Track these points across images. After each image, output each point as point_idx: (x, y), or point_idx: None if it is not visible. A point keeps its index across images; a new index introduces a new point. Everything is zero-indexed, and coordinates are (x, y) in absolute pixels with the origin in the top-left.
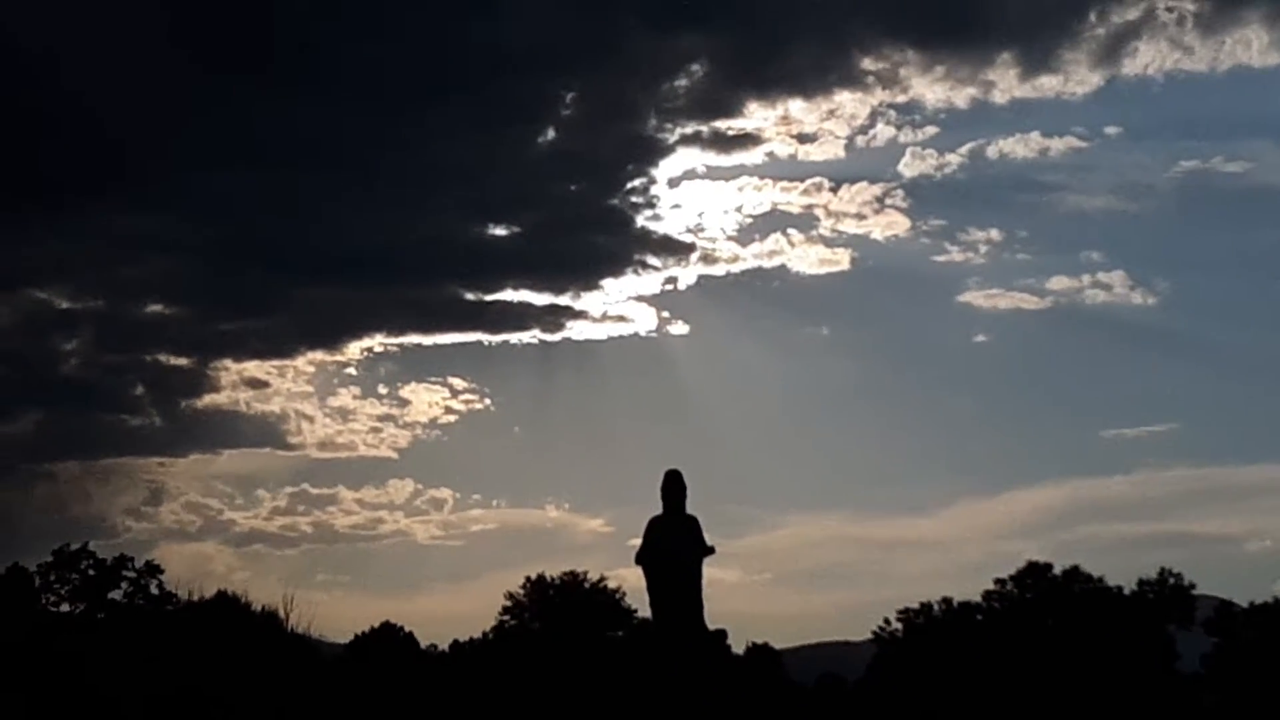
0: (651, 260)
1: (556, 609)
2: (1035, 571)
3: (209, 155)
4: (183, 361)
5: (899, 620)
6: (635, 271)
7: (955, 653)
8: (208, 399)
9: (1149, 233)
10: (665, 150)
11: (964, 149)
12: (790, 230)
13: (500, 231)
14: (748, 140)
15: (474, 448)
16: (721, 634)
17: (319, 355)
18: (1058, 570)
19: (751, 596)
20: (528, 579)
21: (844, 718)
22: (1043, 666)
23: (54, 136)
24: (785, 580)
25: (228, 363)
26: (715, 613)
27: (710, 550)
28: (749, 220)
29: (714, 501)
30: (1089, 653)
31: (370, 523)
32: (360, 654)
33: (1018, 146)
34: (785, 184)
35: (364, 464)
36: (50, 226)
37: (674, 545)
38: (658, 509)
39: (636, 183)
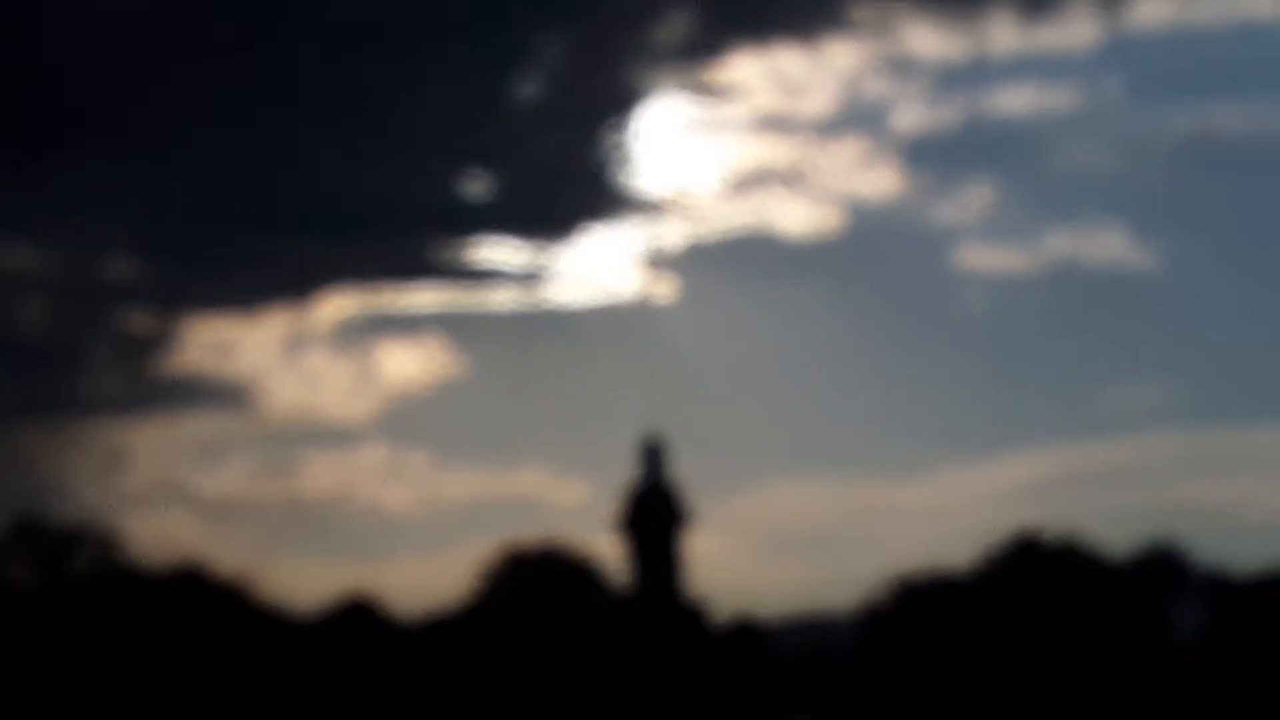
0: (633, 218)
1: (532, 579)
2: (1025, 539)
3: (173, 107)
4: (146, 320)
5: (886, 589)
6: (615, 230)
7: (943, 623)
8: (172, 358)
9: (1149, 189)
10: (645, 101)
11: (957, 101)
12: (777, 187)
13: (476, 187)
14: (732, 92)
15: (448, 411)
16: (701, 605)
17: (286, 314)
18: (1049, 538)
19: (735, 564)
20: (502, 548)
21: (830, 694)
22: (1032, 637)
23: (11, 88)
24: (768, 547)
25: (193, 321)
26: (698, 581)
27: (691, 517)
28: (734, 177)
29: (697, 466)
30: (1080, 623)
31: (340, 489)
32: (330, 626)
33: (1015, 100)
34: (772, 138)
35: (334, 428)
36: (4, 178)
37: (653, 512)
38: (638, 475)
39: (618, 136)
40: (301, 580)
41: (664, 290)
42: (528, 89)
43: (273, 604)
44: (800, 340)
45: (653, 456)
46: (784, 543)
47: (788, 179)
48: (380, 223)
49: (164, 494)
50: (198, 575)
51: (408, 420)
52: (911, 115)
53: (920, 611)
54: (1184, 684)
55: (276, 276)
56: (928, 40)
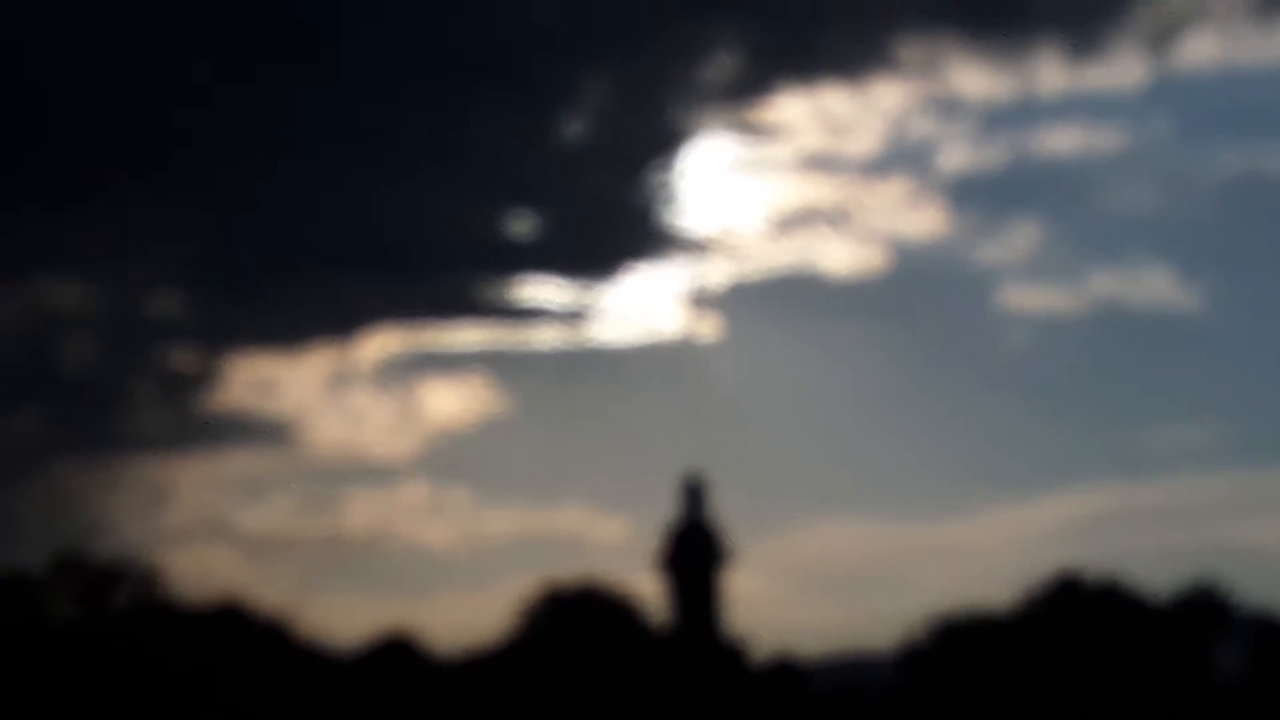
0: (676, 257)
1: (571, 617)
2: (1066, 579)
3: (219, 143)
4: (190, 356)
5: (927, 629)
6: (658, 269)
7: (983, 663)
8: (216, 396)
9: (1196, 229)
10: (691, 141)
11: (1003, 142)
12: (822, 226)
13: (521, 226)
14: (778, 131)
15: (491, 450)
16: (741, 644)
17: (331, 351)
18: (1090, 577)
19: (776, 603)
20: (541, 586)
21: None
22: (1073, 677)
23: (55, 122)
24: (811, 586)
25: (237, 359)
26: (738, 621)
27: (732, 556)
28: (779, 216)
29: (738, 504)
30: (1121, 663)
31: (383, 527)
32: (370, 663)
33: (1061, 139)
34: (817, 178)
35: (377, 465)
36: (53, 215)
37: (694, 551)
38: (680, 514)
39: (664, 174)
40: (341, 617)
41: (707, 329)
42: (574, 128)
43: (312, 641)
44: (843, 379)
45: (694, 495)
46: (824, 582)
47: (833, 218)
48: (424, 261)
49: (206, 530)
50: (238, 611)
51: (449, 458)
52: (957, 155)
53: (960, 651)
54: None
55: (321, 314)
56: (974, 80)
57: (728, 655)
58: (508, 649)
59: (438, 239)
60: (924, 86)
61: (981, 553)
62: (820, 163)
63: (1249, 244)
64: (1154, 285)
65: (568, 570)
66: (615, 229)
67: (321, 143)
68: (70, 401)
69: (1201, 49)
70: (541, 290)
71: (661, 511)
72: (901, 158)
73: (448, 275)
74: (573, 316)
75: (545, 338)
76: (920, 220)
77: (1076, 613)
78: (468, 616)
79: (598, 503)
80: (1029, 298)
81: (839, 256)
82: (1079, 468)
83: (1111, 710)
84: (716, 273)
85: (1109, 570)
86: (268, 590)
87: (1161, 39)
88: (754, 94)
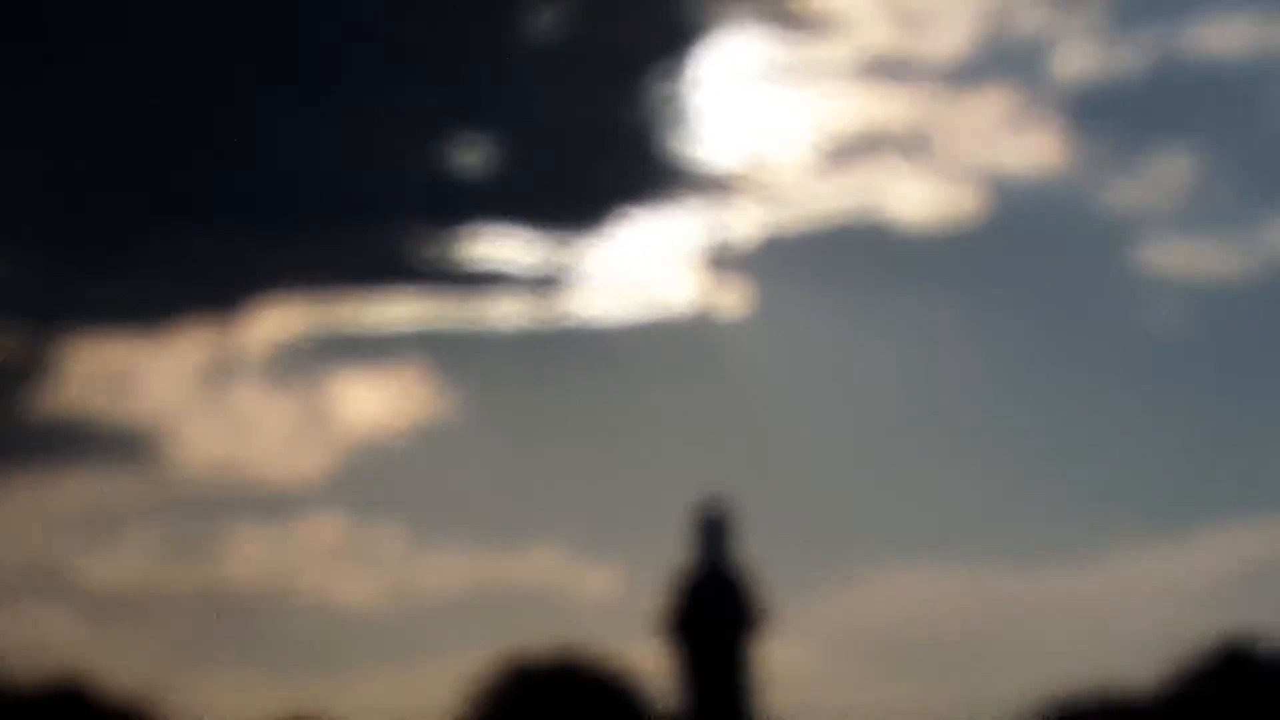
0: (688, 201)
1: (544, 701)
2: (1233, 652)
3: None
4: (12, 341)
5: (1036, 718)
6: (664, 217)
7: None
8: (47, 394)
9: None
10: (709, 38)
11: (1143, 39)
12: (891, 157)
13: (471, 157)
14: (831, 25)
15: (431, 466)
16: None
17: (207, 330)
18: (1265, 647)
19: (825, 681)
20: (502, 657)
21: None
22: None
23: None
24: (872, 658)
25: (78, 343)
26: (773, 705)
27: (765, 616)
28: (831, 144)
29: (773, 545)
30: None
31: (279, 575)
32: None
33: (1223, 36)
34: (884, 89)
35: (271, 491)
36: None
37: (711, 611)
38: (688, 557)
39: (666, 86)
40: (223, 701)
41: (731, 300)
42: (544, 21)
43: None
44: (920, 370)
45: (713, 533)
46: (892, 652)
47: (906, 147)
48: (336, 209)
49: (35, 582)
50: (79, 694)
51: (374, 481)
52: (1079, 58)
53: None
54: None
55: (193, 282)
56: None
57: None
58: None
59: (355, 178)
60: None
61: (1112, 613)
62: (890, 69)
63: None
64: None
65: (538, 637)
66: (602, 162)
67: (192, 49)
68: None
69: None
70: (500, 247)
71: (667, 555)
72: (1002, 62)
73: (369, 228)
74: (543, 283)
75: (505, 313)
76: (1028, 149)
77: (1245, 694)
78: (399, 700)
79: (579, 543)
80: (1178, 256)
81: (914, 199)
82: (1250, 495)
83: None
84: (744, 223)
85: None
86: (121, 665)
87: None
88: None
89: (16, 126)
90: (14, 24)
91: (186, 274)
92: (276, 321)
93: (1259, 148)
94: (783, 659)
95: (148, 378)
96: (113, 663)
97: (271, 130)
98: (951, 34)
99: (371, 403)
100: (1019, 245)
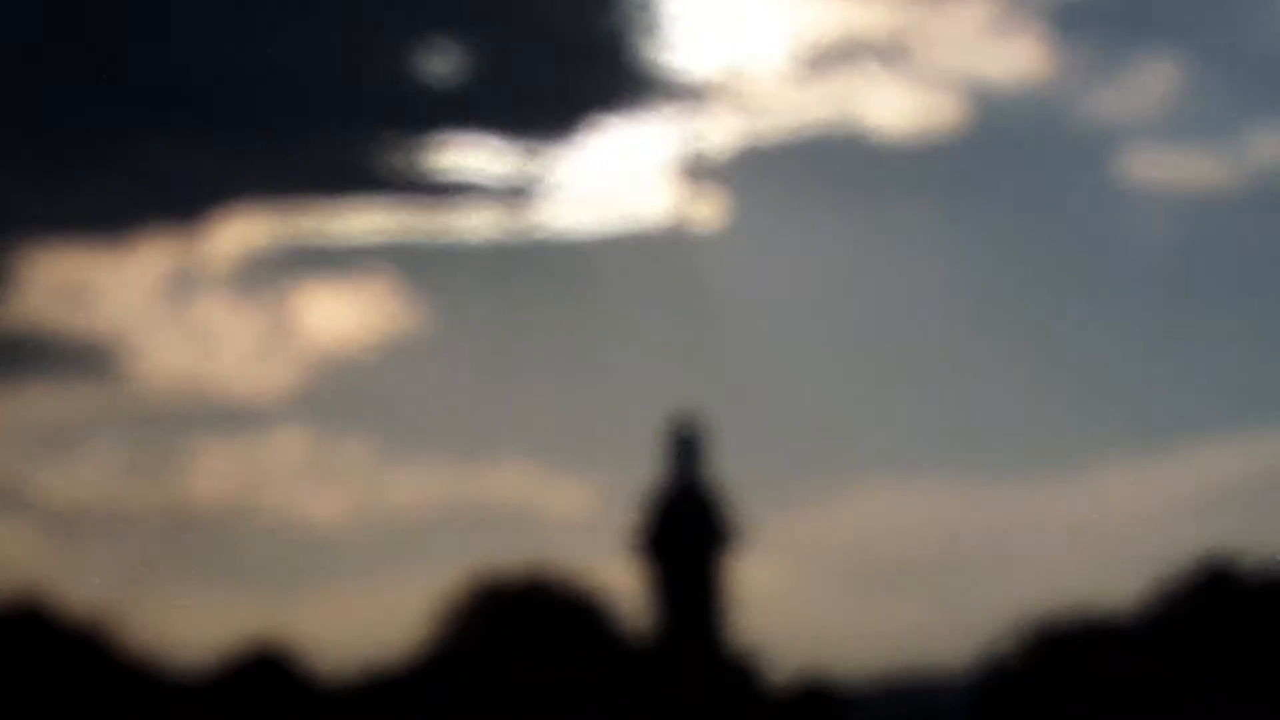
0: (662, 110)
1: (514, 621)
2: (1218, 568)
3: None
4: None
5: (1016, 638)
6: (637, 126)
7: (1098, 685)
8: (7, 305)
9: None
10: None
11: None
12: (870, 65)
13: (441, 65)
14: None
15: (399, 380)
16: (751, 658)
17: (170, 242)
18: (1250, 563)
19: (802, 601)
20: (472, 576)
21: None
22: (1224, 702)
23: None
24: (851, 577)
25: (34, 254)
26: (747, 626)
27: (739, 534)
28: (810, 52)
29: (749, 460)
30: None
31: (244, 492)
32: (226, 687)
33: None
34: None
35: (236, 406)
36: None
37: (686, 528)
38: (663, 473)
39: None
40: (186, 622)
41: (707, 212)
42: None
43: (145, 656)
44: (900, 282)
45: (686, 449)
46: (870, 572)
47: (885, 55)
48: (300, 116)
49: None
50: (38, 614)
51: (340, 395)
52: None
53: (1065, 669)
54: None
55: (154, 191)
56: None
57: (733, 675)
58: (423, 667)
59: (319, 84)
60: None
61: (1094, 529)
62: None
63: None
64: None
65: (508, 555)
66: (573, 68)
67: None
68: None
69: None
70: (469, 157)
71: (640, 472)
72: None
73: (334, 136)
74: (514, 194)
75: (475, 224)
76: (1009, 58)
77: (1230, 613)
78: (365, 621)
79: (550, 458)
80: (1163, 166)
81: (894, 109)
82: (1233, 408)
83: None
84: (720, 132)
85: (1273, 554)
86: (81, 584)
87: None
88: None
89: None
90: None
91: (148, 184)
92: (240, 232)
93: (1243, 56)
94: (759, 580)
95: (109, 290)
96: (73, 580)
97: (235, 37)
98: None
99: (338, 316)
100: (1000, 156)
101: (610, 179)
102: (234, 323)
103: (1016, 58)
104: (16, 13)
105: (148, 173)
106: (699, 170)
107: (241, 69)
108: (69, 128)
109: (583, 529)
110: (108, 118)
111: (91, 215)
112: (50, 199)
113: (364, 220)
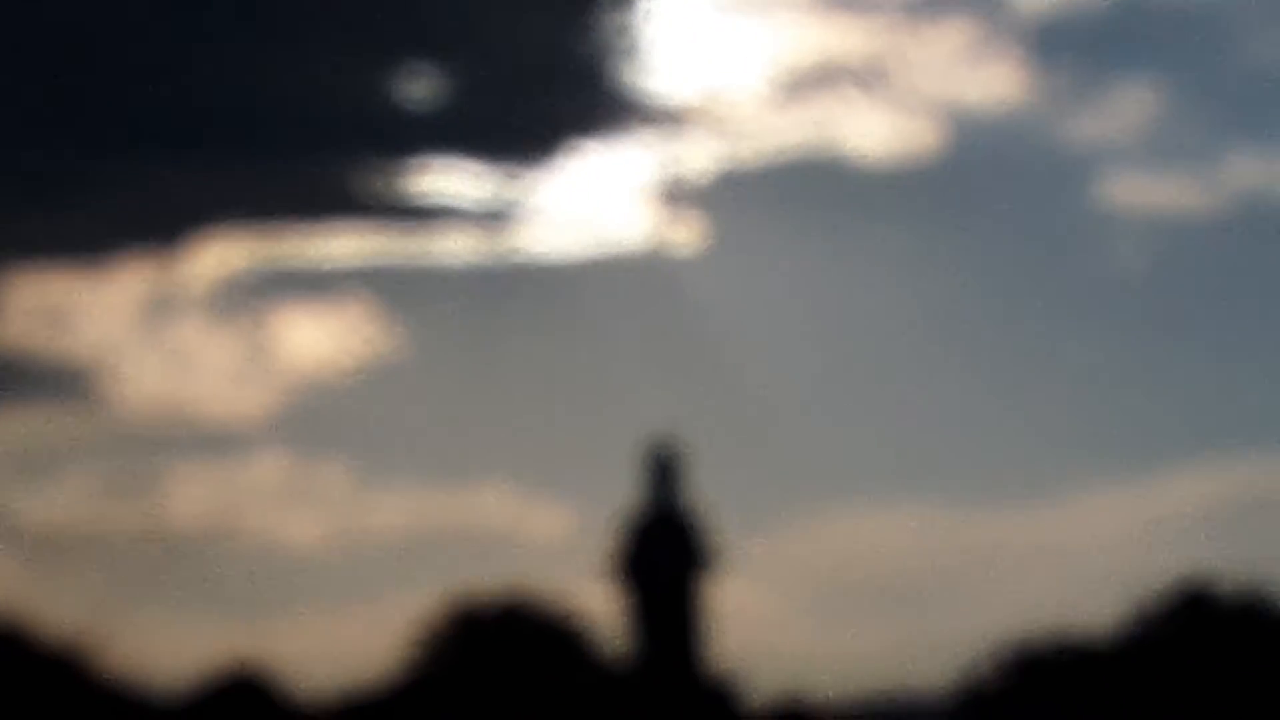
0: (640, 134)
1: (492, 645)
2: (1195, 592)
3: None
4: None
5: (994, 661)
6: (616, 150)
7: (1075, 707)
8: None
9: None
10: None
11: None
12: (849, 90)
13: (419, 89)
14: None
15: (379, 406)
16: (730, 682)
17: (147, 265)
18: (1227, 588)
19: (781, 625)
20: (449, 600)
21: None
22: None
23: None
24: (831, 601)
25: (17, 275)
26: (725, 649)
27: (717, 557)
28: (788, 76)
29: (728, 484)
30: (1266, 703)
31: (221, 515)
32: (204, 710)
33: None
34: (842, 20)
35: (214, 429)
36: None
37: (664, 551)
38: (641, 496)
39: (618, 14)
40: (163, 646)
41: (685, 236)
42: None
43: (120, 680)
44: (878, 307)
45: (664, 472)
46: (850, 595)
47: (864, 79)
48: (280, 139)
49: None
50: (15, 639)
51: (318, 419)
52: None
53: (1043, 691)
54: None
55: (134, 215)
56: None
57: (711, 698)
58: (400, 690)
59: (298, 107)
60: None
61: (1073, 554)
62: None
63: None
64: None
65: (486, 578)
66: (553, 94)
67: None
68: None
69: None
70: (448, 180)
71: (618, 495)
72: None
73: (311, 159)
74: (493, 217)
75: (454, 248)
76: (987, 82)
77: (1206, 636)
78: (342, 644)
79: (527, 482)
80: (1142, 191)
81: (872, 132)
82: (1213, 433)
83: None
84: (698, 156)
85: (1250, 578)
86: (58, 608)
87: None
88: None
89: None
90: None
91: (127, 207)
92: (219, 256)
93: (1221, 81)
94: (738, 602)
95: (87, 313)
96: (50, 604)
97: (214, 60)
98: None
99: (316, 339)
100: (978, 180)
101: (589, 203)
102: (212, 346)
103: (994, 82)
104: None
105: (126, 196)
106: (677, 194)
107: (218, 93)
108: (45, 152)
109: (561, 552)
110: (85, 141)
111: (69, 238)
112: (28, 223)
113: (342, 244)
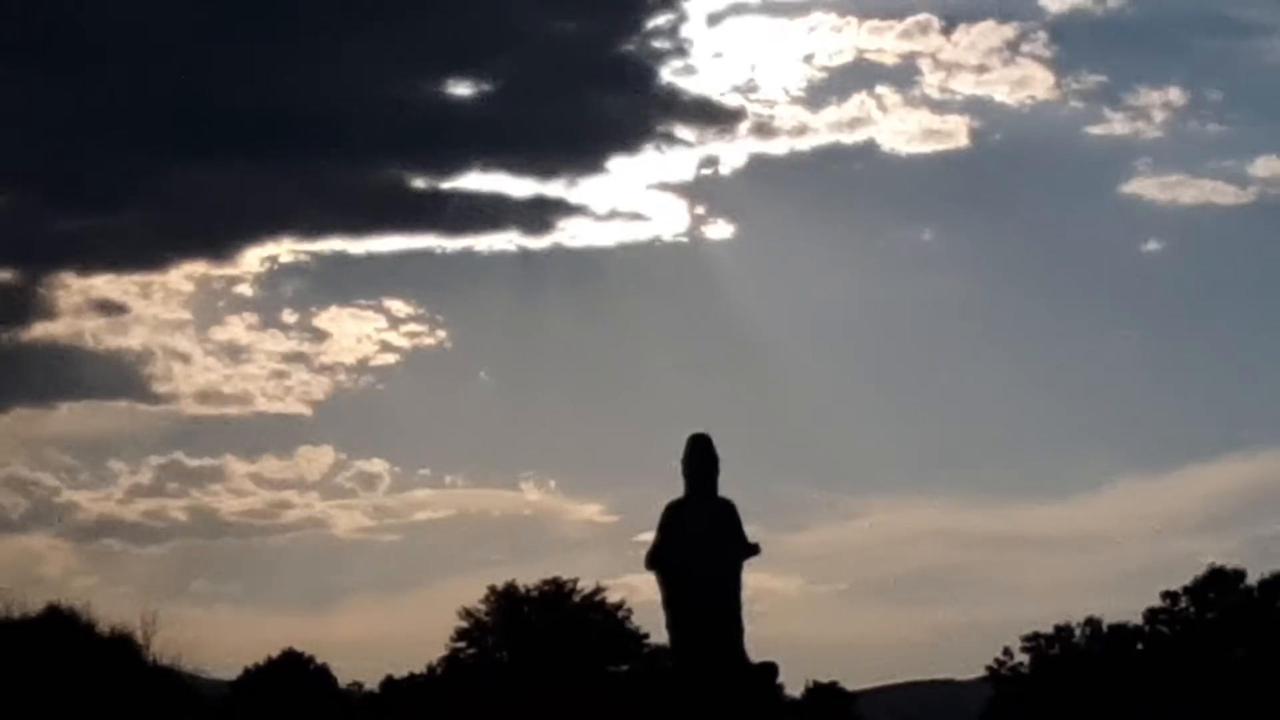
0: (681, 133)
1: (533, 632)
2: (1220, 580)
3: None
4: (4, 275)
5: (1025, 650)
6: (658, 148)
7: (1104, 695)
8: (39, 328)
9: None
10: None
11: None
12: (881, 89)
13: (463, 90)
14: None
15: (421, 401)
16: (770, 670)
17: (200, 267)
18: (1251, 579)
19: (816, 615)
20: (492, 589)
21: None
22: (1230, 708)
23: None
24: (864, 592)
25: (69, 277)
26: (762, 638)
27: (755, 549)
28: (822, 75)
29: (763, 480)
30: None
31: (271, 508)
32: (253, 695)
33: None
34: (875, 23)
35: (263, 424)
36: None
37: (702, 542)
38: (678, 490)
39: (661, 20)
40: (213, 631)
41: (721, 229)
42: None
43: (172, 663)
44: (911, 300)
45: (702, 466)
46: (884, 586)
47: (896, 77)
48: (329, 147)
49: (26, 512)
50: (71, 623)
51: (364, 413)
52: None
53: (1074, 678)
54: None
55: (186, 218)
56: None
57: (752, 684)
58: (444, 673)
59: (346, 117)
60: None
61: (1103, 544)
62: (882, 1)
63: None
64: None
65: (528, 567)
66: (594, 97)
67: None
68: None
69: None
70: (492, 182)
71: (657, 488)
72: None
73: (362, 165)
74: (535, 218)
75: (497, 246)
76: (1017, 80)
77: (1234, 623)
78: (387, 629)
79: (569, 475)
80: (1170, 188)
81: (903, 129)
82: (1243, 427)
83: None
84: (734, 152)
85: (1276, 567)
86: (111, 595)
87: None
88: None
89: (8, 72)
90: None
91: (179, 210)
92: (268, 257)
93: (1247, 79)
94: (774, 593)
95: (139, 313)
96: (104, 594)
97: (267, 69)
98: None
99: (362, 336)
100: (1009, 177)
101: (628, 199)
102: (261, 343)
103: (1024, 81)
104: (50, 50)
105: (178, 200)
106: (713, 189)
107: (269, 100)
108: (104, 160)
109: (601, 542)
110: (141, 149)
111: (126, 241)
112: (86, 227)
113: (388, 243)
